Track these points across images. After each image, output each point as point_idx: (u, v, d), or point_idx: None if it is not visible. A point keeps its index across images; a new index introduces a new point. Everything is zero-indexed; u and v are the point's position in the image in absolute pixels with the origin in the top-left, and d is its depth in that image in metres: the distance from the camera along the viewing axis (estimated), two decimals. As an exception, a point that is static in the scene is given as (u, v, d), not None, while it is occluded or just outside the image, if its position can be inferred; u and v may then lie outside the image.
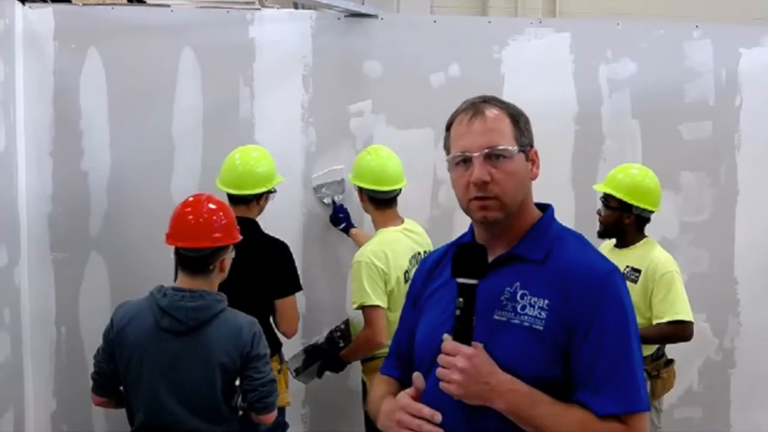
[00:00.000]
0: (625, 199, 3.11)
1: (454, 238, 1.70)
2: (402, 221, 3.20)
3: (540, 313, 1.43)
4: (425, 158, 3.61)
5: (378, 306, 2.98)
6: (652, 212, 3.17)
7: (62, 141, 3.47)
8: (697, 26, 3.82)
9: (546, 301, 1.44)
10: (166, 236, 2.43)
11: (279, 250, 3.05)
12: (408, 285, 3.06)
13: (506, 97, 1.60)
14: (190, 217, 2.42)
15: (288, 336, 3.06)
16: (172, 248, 2.50)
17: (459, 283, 1.40)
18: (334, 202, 3.61)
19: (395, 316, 3.03)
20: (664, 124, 3.79)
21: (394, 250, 3.06)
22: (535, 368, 1.41)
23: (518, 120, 1.55)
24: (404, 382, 1.64)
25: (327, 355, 3.20)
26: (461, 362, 1.38)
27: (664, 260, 3.08)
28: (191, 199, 2.51)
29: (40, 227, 3.46)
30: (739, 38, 3.84)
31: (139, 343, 2.34)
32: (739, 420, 3.93)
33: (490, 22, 4.01)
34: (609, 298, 1.44)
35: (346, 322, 3.25)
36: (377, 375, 1.79)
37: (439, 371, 1.41)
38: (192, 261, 2.40)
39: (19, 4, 3.39)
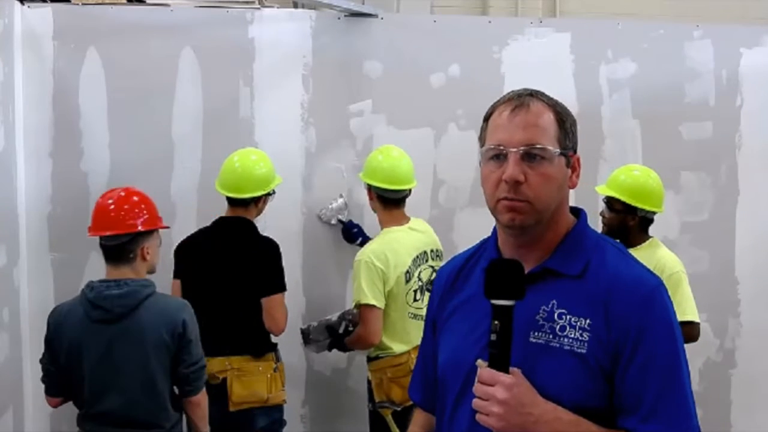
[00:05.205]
0: (629, 201, 3.07)
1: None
2: (408, 220, 3.19)
3: (582, 335, 1.31)
4: (425, 158, 3.58)
5: (373, 305, 2.99)
6: (656, 213, 3.15)
7: (61, 141, 3.46)
8: (697, 26, 3.82)
9: (588, 321, 1.31)
10: (88, 230, 2.53)
11: (269, 249, 3.04)
12: (409, 284, 3.08)
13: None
14: (108, 206, 2.51)
15: (274, 334, 3.05)
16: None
17: (494, 306, 1.27)
18: (341, 222, 3.59)
19: (396, 316, 3.08)
20: (665, 125, 3.79)
21: (394, 249, 3.06)
22: (578, 395, 1.30)
23: (565, 120, 1.41)
24: (427, 407, 1.61)
25: (335, 336, 3.24)
26: (501, 393, 1.26)
27: (670, 260, 3.06)
28: (108, 192, 2.61)
29: (40, 227, 3.45)
30: (740, 38, 3.84)
31: (74, 337, 2.44)
32: (739, 420, 3.93)
33: (490, 22, 4.01)
34: (656, 316, 1.32)
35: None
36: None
37: (476, 402, 1.29)
38: (112, 250, 2.48)
39: (18, 4, 3.37)
